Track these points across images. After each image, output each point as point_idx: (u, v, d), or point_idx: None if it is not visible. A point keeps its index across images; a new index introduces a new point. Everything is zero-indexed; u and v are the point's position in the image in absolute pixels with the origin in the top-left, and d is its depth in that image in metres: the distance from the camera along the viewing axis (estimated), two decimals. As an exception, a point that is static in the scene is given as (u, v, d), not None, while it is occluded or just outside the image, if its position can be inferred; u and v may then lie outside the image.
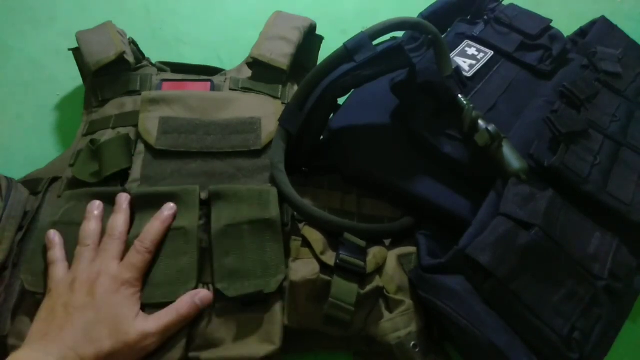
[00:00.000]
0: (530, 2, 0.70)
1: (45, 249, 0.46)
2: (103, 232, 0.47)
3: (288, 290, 0.45)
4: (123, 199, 0.48)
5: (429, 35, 0.55)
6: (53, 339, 0.39)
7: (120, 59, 0.59)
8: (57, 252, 0.45)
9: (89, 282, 0.42)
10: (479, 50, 0.61)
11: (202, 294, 0.44)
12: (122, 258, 0.45)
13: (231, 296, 0.44)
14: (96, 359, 0.39)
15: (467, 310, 0.41)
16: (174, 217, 0.47)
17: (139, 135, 0.53)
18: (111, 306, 0.41)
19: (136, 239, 0.45)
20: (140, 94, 0.56)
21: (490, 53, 0.61)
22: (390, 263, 0.48)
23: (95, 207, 0.48)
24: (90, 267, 0.44)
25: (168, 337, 0.43)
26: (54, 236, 0.46)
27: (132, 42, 0.65)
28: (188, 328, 0.43)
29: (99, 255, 0.45)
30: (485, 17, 0.66)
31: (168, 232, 0.47)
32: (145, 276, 0.45)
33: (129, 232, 0.47)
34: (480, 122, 0.50)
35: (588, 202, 0.48)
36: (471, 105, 0.51)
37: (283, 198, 0.49)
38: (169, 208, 0.48)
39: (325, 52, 0.66)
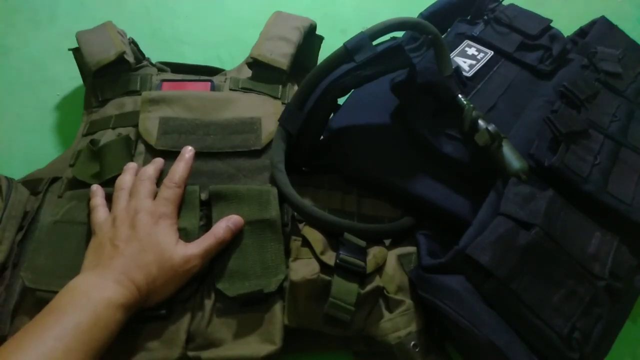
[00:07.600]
0: (530, 2, 0.70)
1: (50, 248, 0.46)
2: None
3: (288, 290, 0.45)
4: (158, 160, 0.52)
5: (429, 35, 0.55)
6: (105, 266, 0.42)
7: (120, 59, 0.59)
8: (98, 199, 0.48)
9: (129, 219, 0.45)
10: (479, 50, 0.61)
11: (234, 219, 0.47)
12: (154, 197, 0.48)
13: (232, 296, 0.44)
14: (145, 282, 0.42)
15: (467, 310, 0.41)
16: (194, 158, 0.51)
17: (139, 136, 0.53)
18: (153, 236, 0.44)
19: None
20: (140, 94, 0.56)
21: (490, 53, 0.61)
22: (390, 263, 0.48)
23: (132, 165, 0.51)
24: (127, 206, 0.47)
25: (208, 260, 0.45)
26: (96, 187, 0.49)
27: (132, 42, 0.65)
28: (188, 326, 0.43)
29: (133, 196, 0.47)
30: (485, 17, 0.65)
31: None
32: None
33: None
34: (480, 121, 0.50)
35: (588, 201, 0.48)
36: (471, 105, 0.51)
37: (283, 198, 0.49)
38: (189, 150, 0.51)
39: (325, 52, 0.66)
